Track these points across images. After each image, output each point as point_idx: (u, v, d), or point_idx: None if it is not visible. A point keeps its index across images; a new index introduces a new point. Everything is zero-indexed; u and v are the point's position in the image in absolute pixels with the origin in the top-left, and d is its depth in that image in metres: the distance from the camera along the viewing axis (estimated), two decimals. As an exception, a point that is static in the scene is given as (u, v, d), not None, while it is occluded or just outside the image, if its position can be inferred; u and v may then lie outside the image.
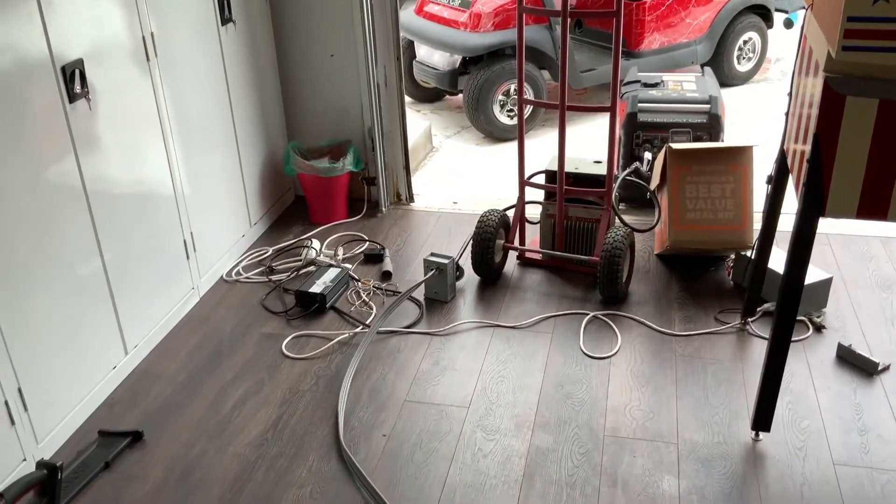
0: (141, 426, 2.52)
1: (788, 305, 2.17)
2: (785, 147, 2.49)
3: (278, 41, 3.77)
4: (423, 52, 5.65)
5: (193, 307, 3.17)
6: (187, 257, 3.11)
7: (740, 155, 3.18)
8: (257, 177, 3.67)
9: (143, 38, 2.75)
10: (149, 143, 2.84)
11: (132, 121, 2.73)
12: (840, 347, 2.77)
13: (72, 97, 2.40)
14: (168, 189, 2.96)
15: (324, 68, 3.79)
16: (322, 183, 3.73)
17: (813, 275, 2.92)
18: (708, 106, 3.68)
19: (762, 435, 2.41)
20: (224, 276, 3.39)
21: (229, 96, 3.36)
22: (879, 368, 2.67)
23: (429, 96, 6.07)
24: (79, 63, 2.42)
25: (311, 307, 3.11)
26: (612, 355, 2.82)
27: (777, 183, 2.60)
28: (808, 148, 2.02)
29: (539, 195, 3.44)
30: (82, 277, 2.52)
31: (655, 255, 3.45)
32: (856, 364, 2.71)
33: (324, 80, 3.82)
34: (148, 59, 2.78)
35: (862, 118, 1.90)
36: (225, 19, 3.27)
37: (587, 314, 3.04)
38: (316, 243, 3.55)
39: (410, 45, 5.75)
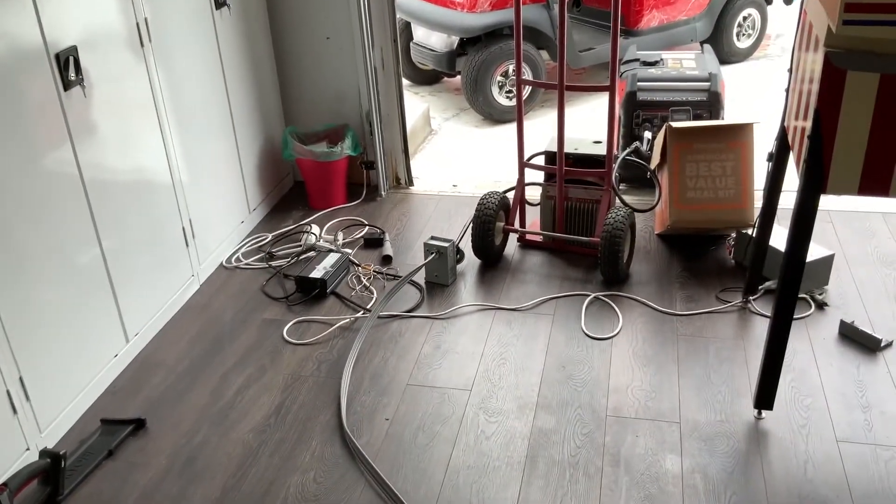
0: (143, 414, 2.52)
1: (790, 283, 2.16)
2: (785, 124, 2.47)
3: (273, 24, 3.74)
4: (420, 33, 5.61)
5: (193, 294, 3.16)
6: (186, 244, 3.10)
7: (741, 132, 3.16)
8: (255, 162, 3.66)
9: (137, 23, 2.72)
10: (145, 130, 2.83)
11: (128, 108, 2.72)
12: (842, 324, 2.76)
13: (66, 85, 2.39)
14: (165, 176, 2.95)
15: (320, 51, 3.76)
16: (320, 168, 3.71)
17: (814, 252, 2.92)
18: (708, 83, 3.65)
19: (765, 413, 2.41)
20: (224, 262, 3.38)
21: (225, 81, 3.34)
22: (882, 345, 2.67)
23: (427, 78, 6.03)
24: (73, 50, 2.40)
25: (311, 293, 3.11)
26: (614, 336, 2.81)
27: (778, 160, 2.58)
28: (808, 124, 2.00)
29: (539, 177, 3.43)
30: (81, 266, 2.51)
31: (656, 234, 3.44)
32: (858, 341, 2.71)
33: (320, 64, 3.79)
34: (142, 45, 2.76)
35: (863, 94, 1.88)
36: (219, 3, 3.24)
37: (588, 295, 3.03)
38: (315, 228, 3.54)
39: (407, 26, 5.71)
